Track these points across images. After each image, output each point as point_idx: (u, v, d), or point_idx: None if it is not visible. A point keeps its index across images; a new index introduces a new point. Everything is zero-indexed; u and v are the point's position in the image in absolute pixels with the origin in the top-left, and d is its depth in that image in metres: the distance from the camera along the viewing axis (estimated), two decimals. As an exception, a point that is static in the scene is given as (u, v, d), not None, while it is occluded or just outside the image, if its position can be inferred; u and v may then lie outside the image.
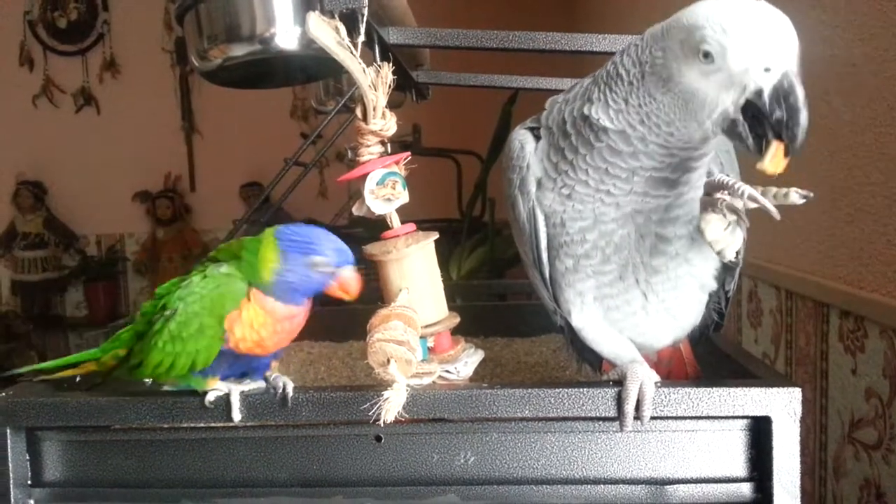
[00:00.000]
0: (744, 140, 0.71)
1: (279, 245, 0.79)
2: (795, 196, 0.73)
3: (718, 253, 0.74)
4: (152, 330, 0.83)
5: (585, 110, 0.79)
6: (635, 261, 0.84)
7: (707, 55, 0.69)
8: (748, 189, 0.70)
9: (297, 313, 0.83)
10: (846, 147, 1.35)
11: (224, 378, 0.84)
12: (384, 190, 0.85)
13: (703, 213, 0.74)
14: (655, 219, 0.82)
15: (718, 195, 0.72)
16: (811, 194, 0.72)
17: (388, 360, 0.76)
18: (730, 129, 0.72)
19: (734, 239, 0.73)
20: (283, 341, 0.84)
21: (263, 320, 0.80)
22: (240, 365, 0.85)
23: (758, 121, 0.70)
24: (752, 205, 0.71)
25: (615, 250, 0.83)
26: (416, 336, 0.80)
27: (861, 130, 1.30)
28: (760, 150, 0.71)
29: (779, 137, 0.69)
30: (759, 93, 0.69)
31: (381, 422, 0.75)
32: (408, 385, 0.77)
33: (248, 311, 0.80)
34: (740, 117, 0.71)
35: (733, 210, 0.72)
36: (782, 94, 0.69)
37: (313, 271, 0.79)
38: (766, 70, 0.68)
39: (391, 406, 0.75)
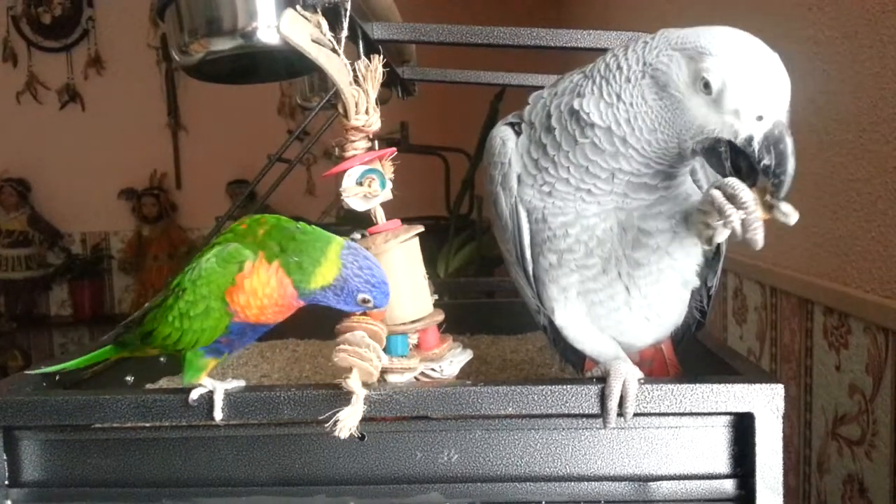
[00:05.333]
0: (722, 164, 0.73)
1: (342, 272, 0.79)
2: (780, 214, 0.73)
3: (707, 240, 0.74)
4: (166, 304, 0.83)
5: (575, 104, 0.78)
6: (618, 254, 0.84)
7: (707, 85, 0.71)
8: (760, 231, 0.70)
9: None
10: (830, 144, 1.36)
11: (232, 350, 0.86)
12: (359, 189, 0.85)
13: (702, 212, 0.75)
14: (637, 214, 0.82)
15: (729, 211, 0.71)
16: (794, 216, 0.73)
17: (351, 368, 0.77)
18: (709, 152, 0.74)
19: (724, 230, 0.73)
20: (283, 316, 0.84)
21: (272, 294, 0.79)
22: (251, 334, 0.85)
23: (738, 154, 0.73)
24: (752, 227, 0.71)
25: (598, 244, 0.83)
26: (379, 347, 0.79)
27: (845, 128, 1.31)
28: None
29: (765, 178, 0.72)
30: (749, 139, 0.71)
31: (338, 435, 0.75)
32: (366, 397, 0.77)
33: (252, 281, 0.79)
34: (723, 147, 0.73)
35: (732, 227, 0.71)
36: (772, 141, 0.71)
37: (355, 304, 0.80)
38: (759, 118, 0.71)
39: (346, 423, 0.75)
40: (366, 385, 0.78)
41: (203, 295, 0.80)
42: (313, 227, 0.82)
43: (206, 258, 0.81)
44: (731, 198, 0.71)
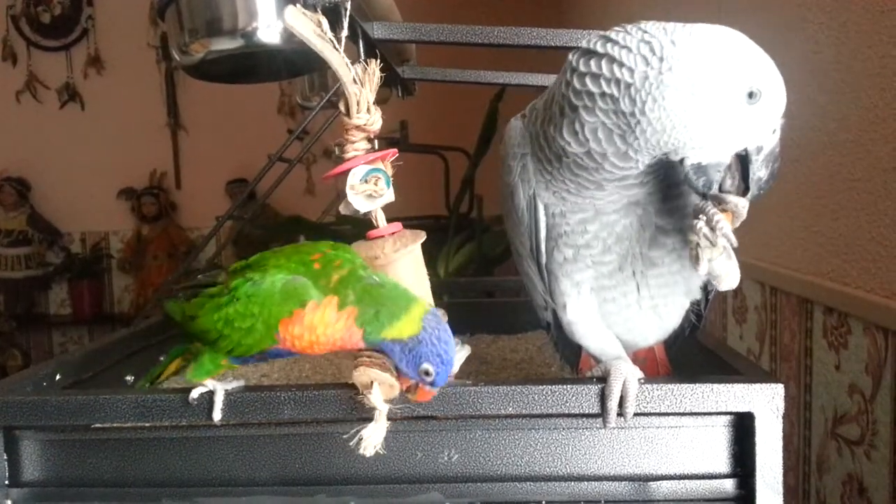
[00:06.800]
0: (707, 181, 0.73)
1: (420, 334, 0.75)
2: (734, 208, 0.75)
3: (696, 258, 0.75)
4: (218, 299, 0.80)
5: (552, 131, 0.77)
6: (635, 251, 0.84)
7: (752, 95, 0.69)
8: (726, 227, 0.72)
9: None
10: (830, 144, 1.36)
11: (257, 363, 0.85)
12: (366, 186, 0.84)
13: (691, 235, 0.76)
14: (653, 210, 0.82)
15: (696, 222, 0.73)
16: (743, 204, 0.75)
17: (371, 383, 0.75)
18: (701, 169, 0.73)
19: (729, 267, 0.74)
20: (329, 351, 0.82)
21: (334, 336, 0.76)
22: (286, 357, 0.84)
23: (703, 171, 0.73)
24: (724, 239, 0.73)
25: (617, 240, 0.83)
26: None
27: (845, 127, 1.31)
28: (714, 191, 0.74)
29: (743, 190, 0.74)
30: (759, 149, 0.72)
31: (363, 453, 0.73)
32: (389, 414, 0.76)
33: (313, 317, 0.76)
34: (734, 160, 0.73)
35: (707, 238, 0.73)
36: (772, 158, 0.73)
37: (414, 371, 0.76)
38: (774, 131, 0.72)
39: (371, 441, 0.73)
40: (387, 400, 0.76)
41: (253, 313, 0.77)
42: (394, 282, 0.79)
43: (272, 280, 0.78)
44: (697, 213, 0.74)
